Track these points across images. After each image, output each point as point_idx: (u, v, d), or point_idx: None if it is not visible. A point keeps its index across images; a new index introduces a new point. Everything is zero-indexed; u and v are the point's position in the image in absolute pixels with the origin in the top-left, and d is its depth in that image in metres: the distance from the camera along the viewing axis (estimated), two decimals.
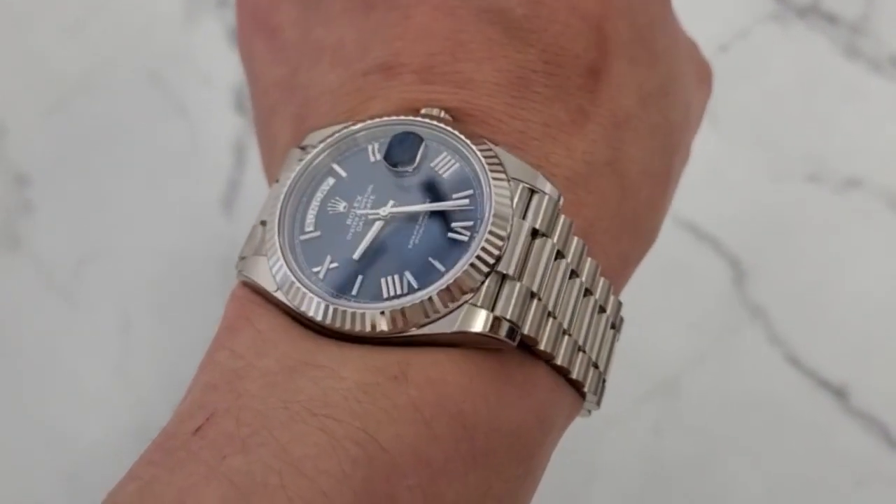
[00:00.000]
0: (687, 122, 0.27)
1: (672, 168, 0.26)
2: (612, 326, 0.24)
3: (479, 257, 0.21)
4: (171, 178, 0.53)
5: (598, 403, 0.24)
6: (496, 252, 0.21)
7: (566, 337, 0.22)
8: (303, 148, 0.23)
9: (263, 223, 0.23)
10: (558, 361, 0.22)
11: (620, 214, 0.24)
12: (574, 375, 0.22)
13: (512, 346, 0.21)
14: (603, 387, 0.24)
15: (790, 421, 0.47)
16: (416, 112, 0.22)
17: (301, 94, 0.24)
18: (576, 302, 0.22)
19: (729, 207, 0.51)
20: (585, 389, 0.23)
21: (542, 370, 0.22)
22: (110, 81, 0.55)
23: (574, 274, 0.22)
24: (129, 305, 0.50)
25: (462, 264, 0.21)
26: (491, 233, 0.21)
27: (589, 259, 0.23)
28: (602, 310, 0.23)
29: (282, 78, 0.25)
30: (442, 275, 0.21)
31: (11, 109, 0.54)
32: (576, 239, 0.22)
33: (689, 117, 0.27)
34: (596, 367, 0.23)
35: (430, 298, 0.20)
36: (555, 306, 0.22)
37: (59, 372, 0.49)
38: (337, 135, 0.23)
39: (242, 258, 0.23)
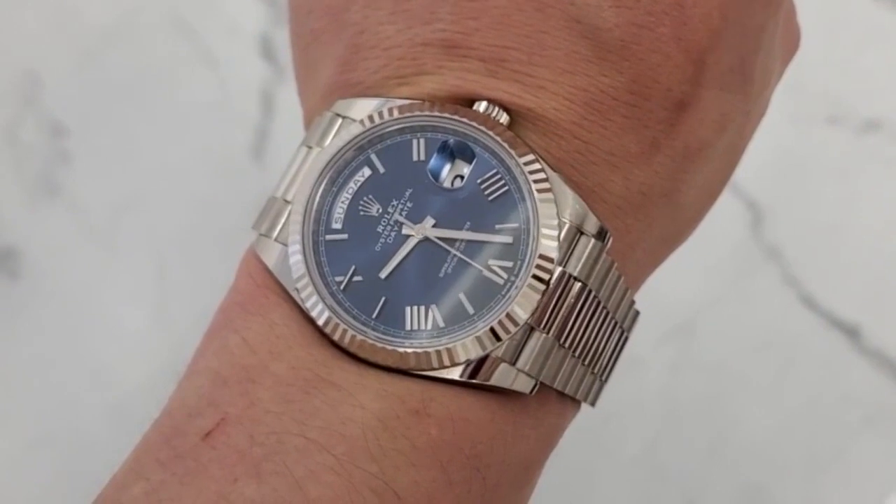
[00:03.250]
0: (757, 125, 0.25)
1: (730, 174, 0.25)
2: (624, 336, 0.23)
3: (513, 311, 0.19)
4: (202, 127, 0.54)
5: (593, 405, 0.23)
6: (532, 307, 0.20)
7: (580, 367, 0.21)
8: (338, 115, 0.22)
9: (287, 201, 0.21)
10: (567, 392, 0.21)
11: (664, 234, 0.23)
12: (579, 397, 0.22)
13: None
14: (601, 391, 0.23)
15: (803, 360, 0.48)
16: (470, 104, 0.21)
17: (351, 36, 0.22)
18: (596, 332, 0.21)
19: (748, 150, 0.51)
20: (586, 402, 0.22)
21: (553, 395, 0.21)
22: (139, 30, 0.55)
23: (602, 305, 0.21)
24: (165, 250, 0.52)
25: (493, 317, 0.19)
26: (530, 286, 0.20)
27: (618, 286, 0.21)
28: (619, 325, 0.22)
29: (332, 2, 0.23)
30: (471, 319, 0.20)
31: (45, 60, 0.55)
32: (611, 273, 0.21)
33: (761, 119, 0.25)
34: (601, 377, 0.23)
35: (451, 349, 0.19)
36: (575, 347, 0.21)
37: (99, 315, 0.51)
38: (380, 125, 0.21)
39: (261, 235, 0.22)
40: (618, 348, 0.23)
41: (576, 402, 0.22)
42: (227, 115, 0.54)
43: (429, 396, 0.19)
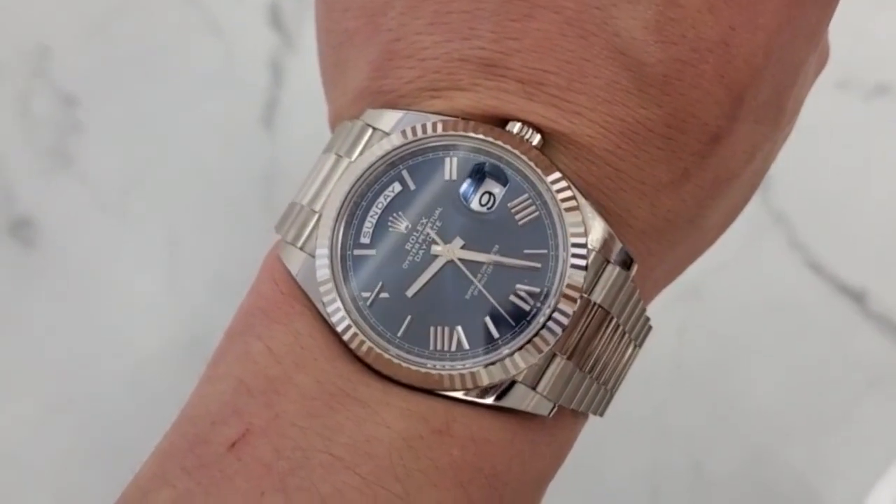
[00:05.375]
0: (784, 143, 0.25)
1: (750, 198, 0.25)
2: (637, 350, 0.23)
3: (538, 338, 0.20)
4: (212, 96, 0.54)
5: (602, 415, 0.23)
6: (556, 334, 0.20)
7: (595, 385, 0.21)
8: (368, 125, 0.21)
9: (314, 210, 0.21)
10: (582, 409, 0.21)
11: (684, 254, 0.23)
12: (591, 411, 0.22)
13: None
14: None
15: (809, 324, 0.49)
16: (504, 124, 0.21)
17: (386, 41, 0.22)
18: (613, 353, 0.22)
19: None
20: (596, 415, 0.23)
21: (567, 412, 0.22)
22: (147, 0, 0.56)
23: (621, 329, 0.21)
24: (176, 219, 0.52)
25: (518, 342, 0.20)
26: (556, 313, 0.20)
27: (637, 308, 0.22)
28: (633, 341, 0.22)
29: (368, 4, 0.22)
30: (495, 343, 0.20)
31: (54, 31, 0.55)
32: (633, 299, 0.21)
33: (788, 136, 0.25)
34: (611, 392, 0.23)
35: (475, 373, 0.20)
36: (593, 369, 0.21)
37: (112, 283, 0.51)
38: (412, 142, 0.21)
39: (286, 242, 0.22)
40: (630, 361, 0.23)
41: (585, 415, 0.23)
42: (237, 85, 0.54)
43: (451, 417, 0.20)
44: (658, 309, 0.50)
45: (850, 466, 0.47)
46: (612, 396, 0.23)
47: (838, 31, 0.51)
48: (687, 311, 0.49)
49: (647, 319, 0.23)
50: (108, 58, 0.54)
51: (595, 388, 0.22)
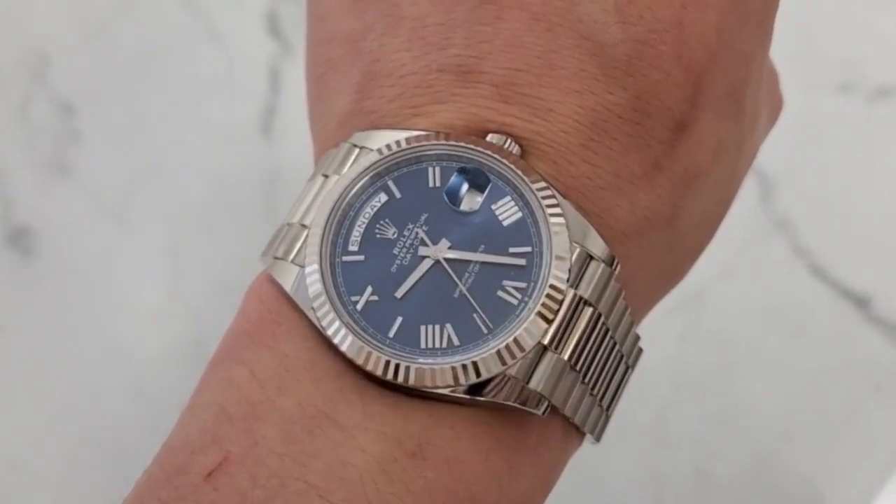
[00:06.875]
0: (749, 166, 0.26)
1: (724, 214, 0.25)
2: (629, 371, 0.23)
3: (526, 331, 0.20)
4: (209, 104, 0.54)
5: (598, 440, 0.23)
6: (544, 327, 0.20)
7: (588, 396, 0.21)
8: (356, 145, 0.22)
9: (303, 226, 0.22)
10: (575, 421, 0.21)
11: (662, 266, 0.24)
12: (585, 429, 0.22)
13: (538, 415, 0.21)
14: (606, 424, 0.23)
15: (813, 330, 0.48)
16: (484, 134, 0.21)
17: (367, 63, 0.22)
18: (605, 361, 0.22)
19: None
20: (591, 435, 0.22)
21: (556, 424, 0.22)
22: (145, 7, 0.56)
23: (609, 334, 0.21)
24: (177, 225, 0.52)
25: (507, 336, 0.20)
26: (543, 306, 0.20)
27: (625, 316, 0.22)
28: (625, 358, 0.23)
29: (350, 32, 0.23)
30: (485, 338, 0.20)
31: (52, 37, 0.55)
32: (619, 301, 0.21)
33: (752, 161, 0.26)
34: (606, 410, 0.22)
35: (465, 366, 0.20)
36: (585, 372, 0.21)
37: (114, 290, 0.51)
38: (397, 153, 0.21)
39: (276, 258, 0.22)
40: (623, 382, 0.23)
41: (578, 436, 0.23)
42: (235, 92, 0.54)
43: (426, 439, 0.20)
44: (660, 314, 0.50)
45: (856, 472, 0.47)
46: (608, 419, 0.23)
47: (840, 33, 0.51)
48: (689, 316, 0.49)
49: (637, 338, 0.23)
50: (106, 65, 0.54)
51: (589, 402, 0.21)
